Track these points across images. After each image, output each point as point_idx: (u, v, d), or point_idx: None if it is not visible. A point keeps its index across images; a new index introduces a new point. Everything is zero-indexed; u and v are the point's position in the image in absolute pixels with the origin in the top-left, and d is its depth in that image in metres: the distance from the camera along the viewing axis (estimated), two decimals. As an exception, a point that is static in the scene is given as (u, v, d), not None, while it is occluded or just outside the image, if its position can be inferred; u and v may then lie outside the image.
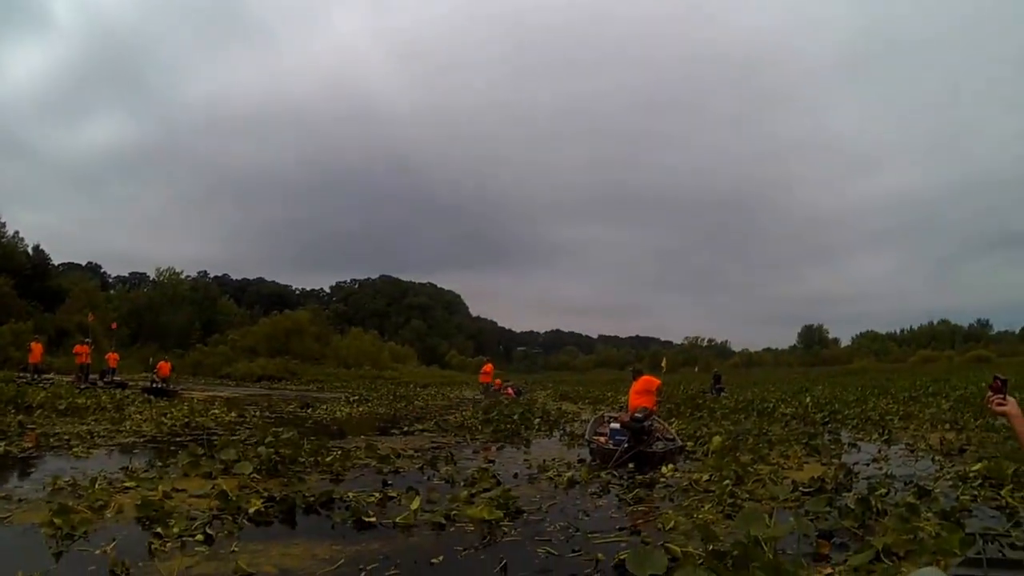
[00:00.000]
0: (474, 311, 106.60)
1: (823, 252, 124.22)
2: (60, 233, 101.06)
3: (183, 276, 60.52)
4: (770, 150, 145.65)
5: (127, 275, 76.31)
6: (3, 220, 45.28)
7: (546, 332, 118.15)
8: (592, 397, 22.13)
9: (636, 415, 7.98)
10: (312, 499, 4.92)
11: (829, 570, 3.42)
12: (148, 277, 66.31)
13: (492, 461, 7.80)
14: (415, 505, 4.73)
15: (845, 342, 71.78)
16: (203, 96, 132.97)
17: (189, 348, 47.13)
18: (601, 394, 23.05)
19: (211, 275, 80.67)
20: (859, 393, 19.30)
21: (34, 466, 6.79)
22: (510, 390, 22.63)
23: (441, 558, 3.82)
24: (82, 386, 17.49)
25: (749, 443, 8.41)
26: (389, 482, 5.95)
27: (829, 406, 14.51)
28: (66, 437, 8.68)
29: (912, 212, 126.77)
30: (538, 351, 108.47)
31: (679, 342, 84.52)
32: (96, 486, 5.11)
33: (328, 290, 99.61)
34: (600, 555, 3.82)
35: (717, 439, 8.20)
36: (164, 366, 21.96)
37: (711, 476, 6.06)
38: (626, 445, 7.45)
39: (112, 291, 62.29)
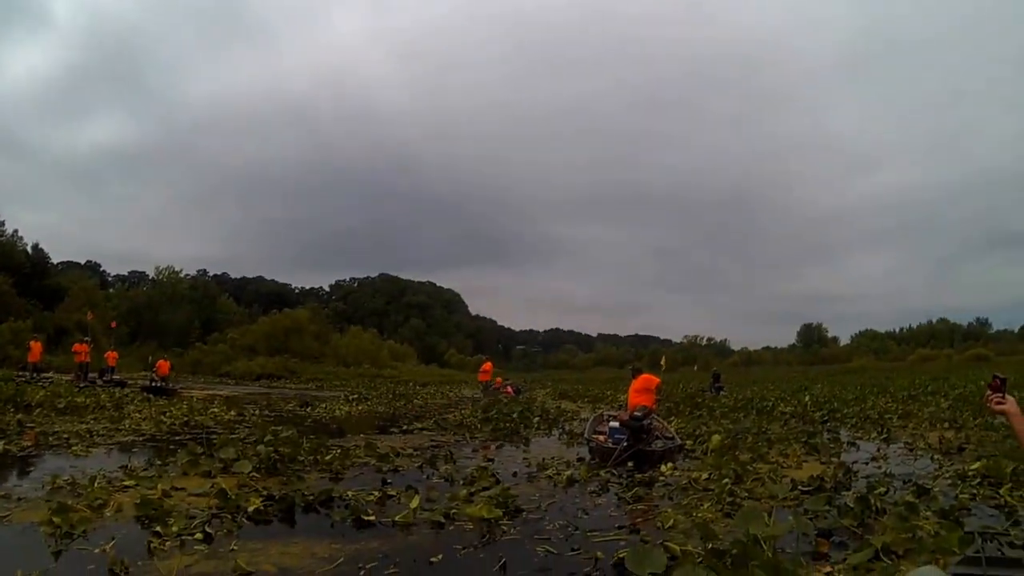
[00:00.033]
0: (473, 310, 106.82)
1: (823, 251, 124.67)
2: (60, 232, 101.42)
3: (182, 275, 60.70)
4: (770, 150, 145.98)
5: (126, 274, 76.42)
6: (2, 219, 45.44)
7: (545, 331, 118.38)
8: (591, 396, 22.15)
9: (635, 413, 7.98)
10: (311, 498, 4.92)
11: (828, 569, 3.42)
12: (147, 276, 66.43)
13: (491, 460, 7.80)
14: (414, 504, 4.72)
15: (844, 341, 71.90)
16: (203, 95, 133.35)
17: (188, 347, 47.17)
18: (600, 393, 23.07)
19: (210, 274, 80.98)
20: (858, 392, 19.31)
21: (33, 465, 6.79)
22: (509, 388, 22.64)
23: (440, 557, 3.82)
24: (81, 385, 17.46)
25: (748, 442, 8.42)
26: (388, 481, 5.95)
27: (828, 405, 14.52)
28: (65, 436, 8.67)
29: (912, 212, 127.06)
30: (537, 350, 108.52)
31: (678, 341, 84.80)
32: (95, 485, 5.11)
33: (327, 289, 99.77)
34: (599, 553, 3.82)
35: (716, 438, 8.21)
36: (163, 365, 21.94)
37: (710, 475, 6.06)
38: (625, 443, 7.45)
39: (111, 290, 62.32)
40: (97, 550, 3.64)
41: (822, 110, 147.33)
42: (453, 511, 4.67)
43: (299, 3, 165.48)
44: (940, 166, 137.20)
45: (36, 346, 19.82)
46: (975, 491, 5.14)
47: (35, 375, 18.24)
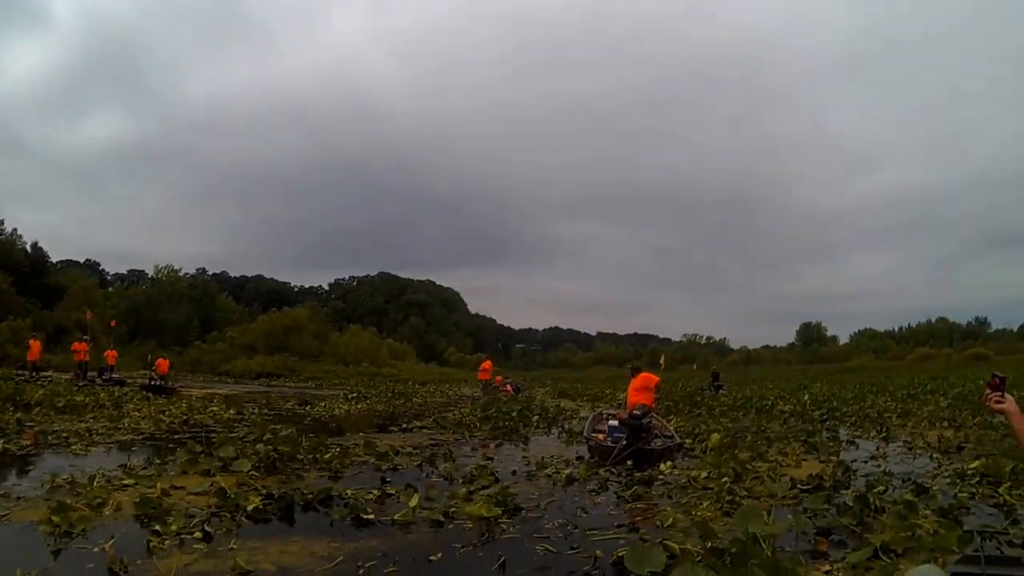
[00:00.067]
0: (473, 308, 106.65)
1: (822, 251, 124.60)
2: (59, 231, 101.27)
3: (182, 273, 60.51)
4: (770, 149, 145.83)
5: (125, 272, 76.27)
6: (2, 218, 45.41)
7: (545, 329, 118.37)
8: (591, 394, 22.14)
9: (635, 412, 7.99)
10: (310, 496, 4.92)
11: (827, 567, 3.42)
12: (146, 274, 66.16)
13: (490, 458, 7.79)
14: (413, 502, 4.73)
15: (844, 340, 71.78)
16: (203, 95, 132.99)
17: (187, 345, 47.08)
18: (600, 391, 23.07)
19: (210, 272, 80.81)
20: (857, 391, 19.34)
21: (32, 464, 6.78)
22: (509, 387, 22.61)
23: (440, 555, 3.83)
24: (80, 383, 17.46)
25: (747, 440, 8.42)
26: (387, 479, 5.96)
27: (827, 403, 14.53)
28: (64, 435, 8.66)
29: (912, 211, 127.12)
30: (537, 348, 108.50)
31: (678, 339, 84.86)
32: (94, 484, 5.11)
33: (327, 287, 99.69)
34: (599, 552, 3.82)
35: (715, 436, 8.22)
36: (162, 363, 21.90)
37: (709, 473, 6.06)
38: (624, 442, 7.46)
39: (110, 288, 62.21)
40: (96, 549, 3.65)
41: (822, 110, 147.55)
42: (452, 510, 4.68)
43: (299, 3, 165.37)
44: (940, 166, 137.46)
45: (35, 345, 19.80)
46: (974, 490, 5.16)
47: (34, 374, 18.24)
